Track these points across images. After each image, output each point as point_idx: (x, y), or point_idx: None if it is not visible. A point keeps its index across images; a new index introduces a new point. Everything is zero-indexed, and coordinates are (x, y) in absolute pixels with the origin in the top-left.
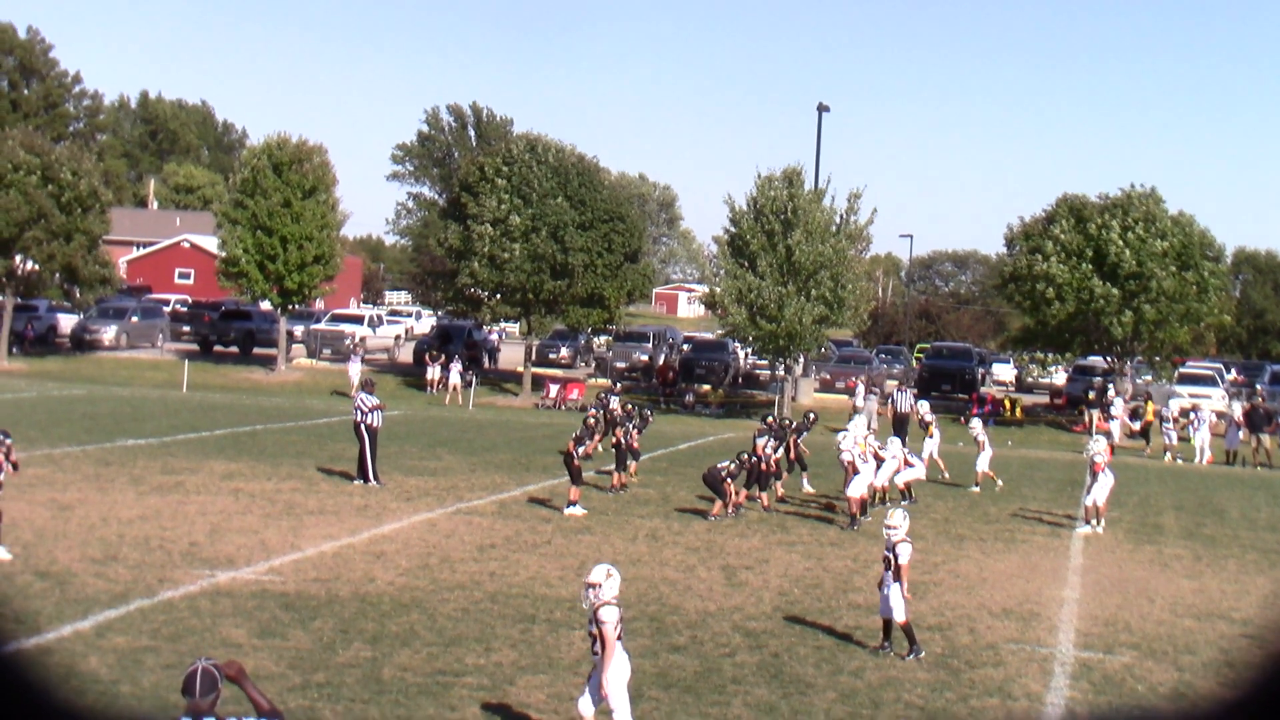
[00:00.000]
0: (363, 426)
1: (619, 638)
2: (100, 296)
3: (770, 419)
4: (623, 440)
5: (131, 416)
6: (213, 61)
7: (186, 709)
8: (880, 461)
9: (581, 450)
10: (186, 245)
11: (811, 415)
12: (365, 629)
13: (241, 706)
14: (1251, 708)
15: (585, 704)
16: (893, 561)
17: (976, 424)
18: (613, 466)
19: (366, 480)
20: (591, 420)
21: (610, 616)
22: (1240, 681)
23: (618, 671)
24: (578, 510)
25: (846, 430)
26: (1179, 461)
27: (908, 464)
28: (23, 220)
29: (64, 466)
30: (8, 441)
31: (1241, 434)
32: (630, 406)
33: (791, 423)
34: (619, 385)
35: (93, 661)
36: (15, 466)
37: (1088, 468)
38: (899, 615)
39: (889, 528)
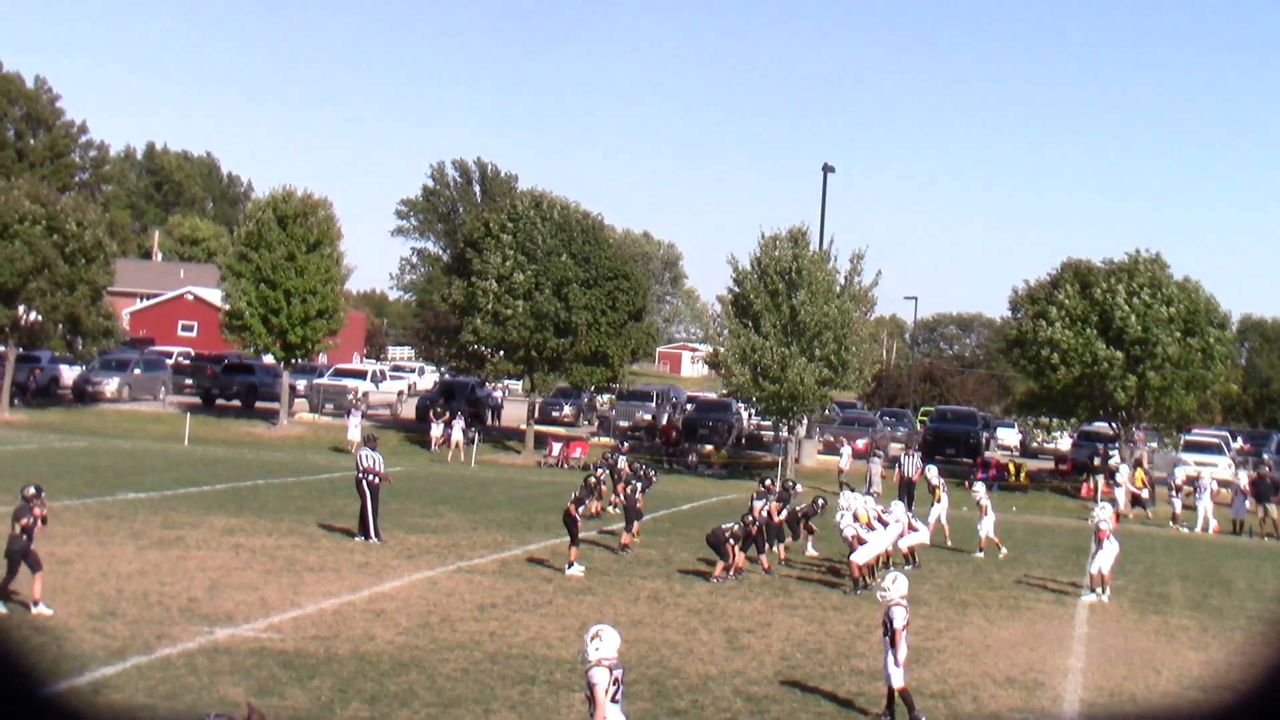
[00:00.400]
0: (364, 482)
1: (615, 699)
2: (103, 348)
3: (769, 481)
4: (629, 498)
5: (133, 469)
6: (219, 114)
7: None
8: (885, 525)
9: (581, 510)
10: (190, 298)
11: (793, 484)
12: (364, 688)
13: None
14: (1255, 709)
15: None
16: (888, 626)
17: (980, 488)
18: (618, 526)
19: (368, 537)
20: (593, 480)
21: (600, 679)
22: (1244, 682)
23: None
24: (578, 570)
25: (843, 509)
26: (1184, 530)
27: (911, 528)
28: (27, 270)
29: (64, 520)
30: (41, 495)
31: (1248, 503)
32: (636, 465)
33: (794, 485)
34: (626, 445)
35: None
36: (44, 521)
37: (1093, 534)
38: (895, 681)
39: (881, 591)
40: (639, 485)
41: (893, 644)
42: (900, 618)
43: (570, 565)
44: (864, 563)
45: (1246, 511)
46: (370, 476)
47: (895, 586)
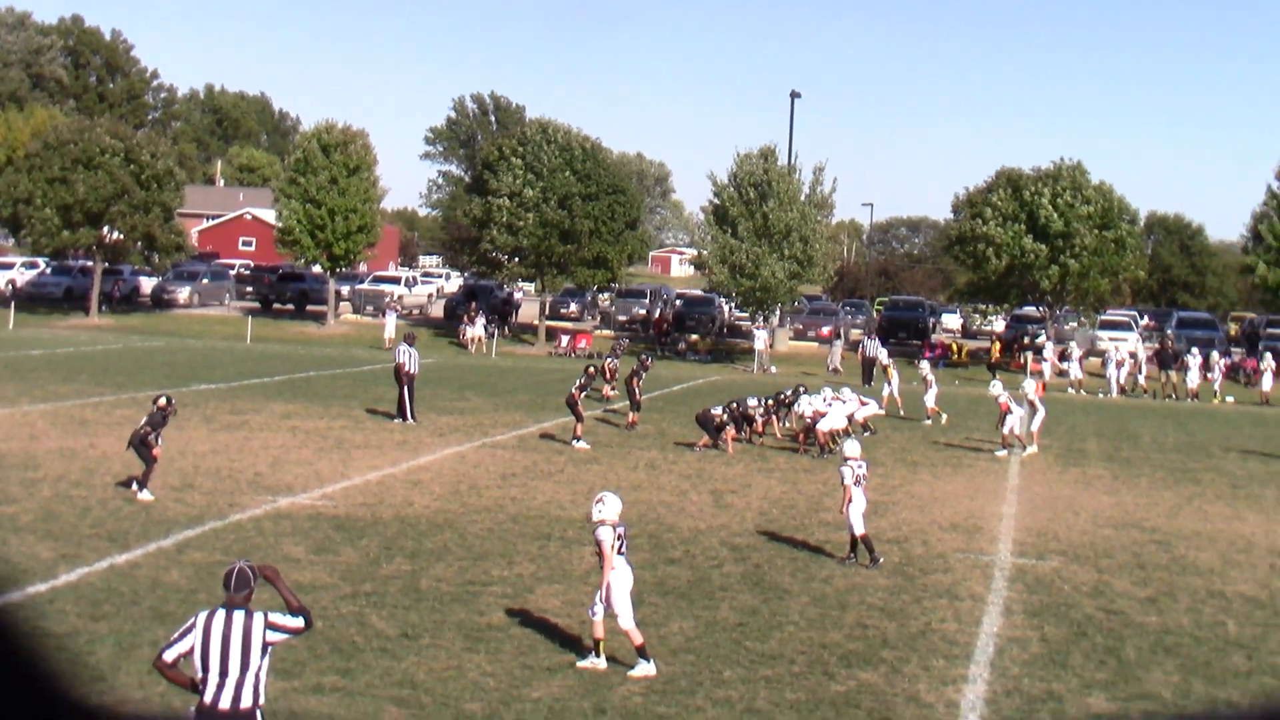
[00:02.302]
0: (403, 372)
1: (621, 552)
2: (175, 261)
3: (770, 400)
4: (634, 386)
5: (203, 365)
6: (271, 58)
7: (224, 601)
8: (843, 403)
9: (585, 395)
10: (249, 218)
11: (802, 387)
12: (405, 546)
13: (275, 603)
14: None
15: (596, 609)
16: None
17: (925, 365)
18: (621, 405)
19: (405, 419)
20: (592, 370)
21: (606, 536)
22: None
23: (621, 581)
24: (583, 444)
25: (802, 397)
26: (1083, 393)
27: (863, 403)
28: (109, 196)
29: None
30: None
31: (1145, 371)
32: (644, 357)
33: (784, 394)
34: (621, 347)
35: (174, 574)
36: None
37: (1023, 402)
38: (857, 529)
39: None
40: (642, 374)
41: (845, 495)
42: (848, 475)
43: (576, 439)
44: (828, 430)
45: (1147, 377)
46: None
47: (846, 448)
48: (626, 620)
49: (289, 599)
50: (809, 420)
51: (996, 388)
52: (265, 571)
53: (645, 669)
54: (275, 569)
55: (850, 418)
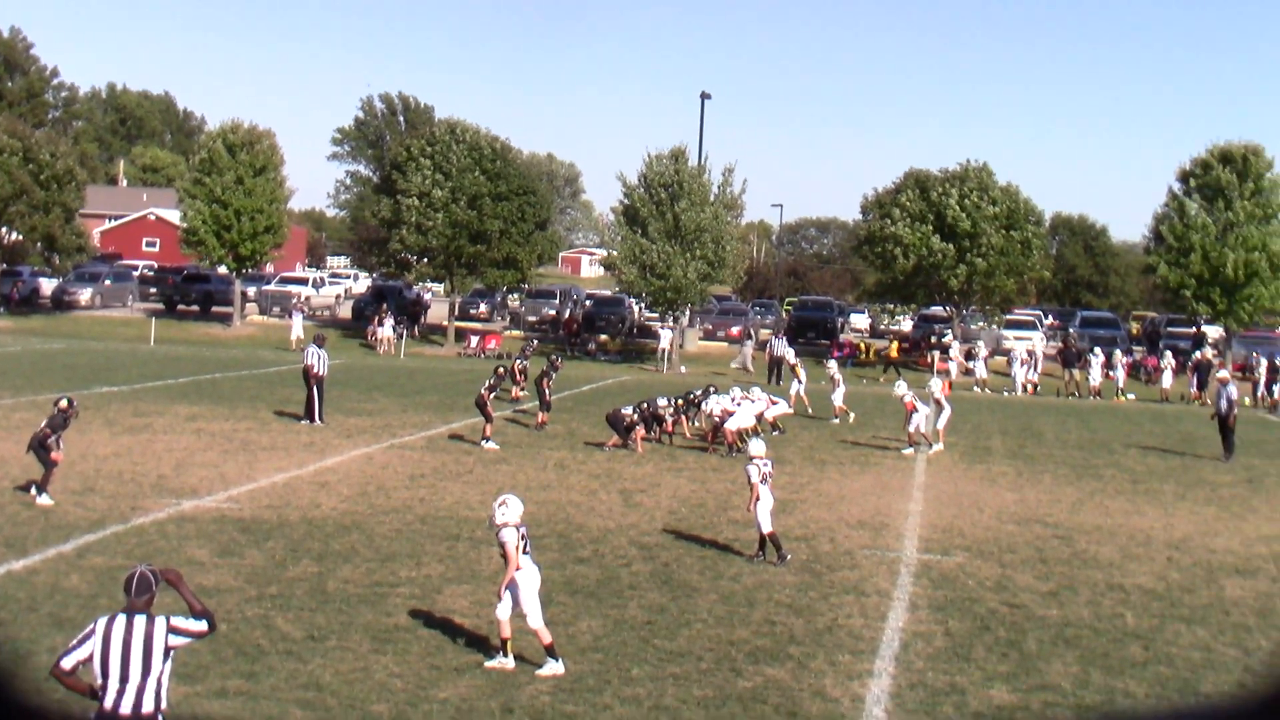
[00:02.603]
0: (312, 373)
1: (525, 552)
2: (77, 263)
3: (680, 400)
4: (545, 386)
5: (105, 367)
6: (175, 57)
7: (125, 606)
8: (752, 403)
9: (494, 397)
10: (152, 218)
11: (712, 387)
12: (312, 548)
13: (177, 607)
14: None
15: (503, 609)
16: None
17: (832, 364)
18: (530, 406)
19: (313, 420)
20: (502, 370)
21: (510, 538)
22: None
23: (528, 581)
24: (493, 444)
25: (711, 396)
26: (987, 392)
27: (772, 403)
28: (7, 196)
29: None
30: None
31: (1039, 368)
32: (553, 358)
33: (694, 394)
34: (530, 348)
35: (74, 579)
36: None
37: (929, 401)
38: (764, 526)
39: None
40: (552, 374)
41: (752, 493)
42: (753, 473)
43: (485, 440)
44: (736, 429)
45: (1039, 374)
46: (316, 370)
47: (750, 447)
48: (535, 620)
49: (192, 602)
50: (717, 419)
51: (901, 388)
52: (167, 575)
53: (553, 668)
54: (178, 572)
55: (760, 417)
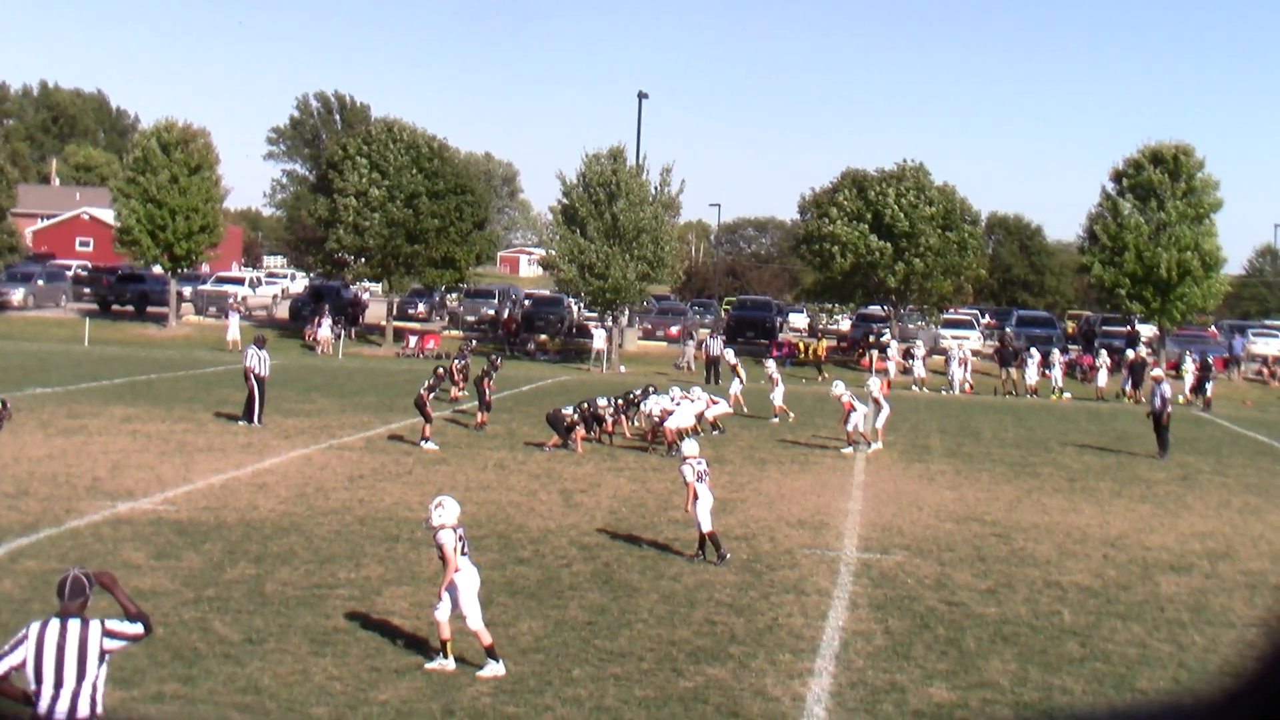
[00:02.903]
0: (253, 374)
1: (464, 553)
2: (9, 263)
3: (620, 400)
4: (485, 386)
5: (39, 368)
6: (109, 55)
7: (58, 610)
8: (692, 402)
9: (434, 397)
10: (86, 217)
11: (652, 387)
12: (250, 550)
13: (112, 610)
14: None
15: (442, 610)
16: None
17: (771, 364)
18: (470, 406)
19: (251, 420)
20: (441, 371)
21: (448, 540)
22: (1240, 676)
23: (467, 582)
24: (432, 445)
25: (651, 396)
26: (925, 391)
27: (713, 402)
28: None
29: None
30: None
31: (971, 366)
32: (493, 358)
33: (634, 394)
34: (469, 348)
35: (6, 584)
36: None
37: (868, 400)
38: (704, 526)
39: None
40: (492, 371)
41: (690, 492)
42: (689, 473)
43: (425, 440)
44: (676, 428)
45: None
46: (257, 371)
47: (684, 447)
48: (475, 621)
49: (127, 605)
50: (657, 419)
51: (839, 387)
52: (102, 578)
53: (494, 669)
54: (112, 575)
55: (700, 416)
